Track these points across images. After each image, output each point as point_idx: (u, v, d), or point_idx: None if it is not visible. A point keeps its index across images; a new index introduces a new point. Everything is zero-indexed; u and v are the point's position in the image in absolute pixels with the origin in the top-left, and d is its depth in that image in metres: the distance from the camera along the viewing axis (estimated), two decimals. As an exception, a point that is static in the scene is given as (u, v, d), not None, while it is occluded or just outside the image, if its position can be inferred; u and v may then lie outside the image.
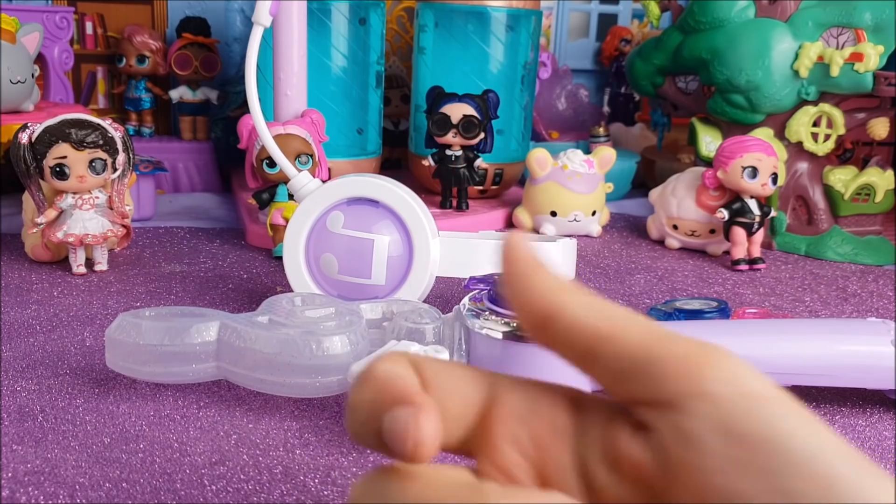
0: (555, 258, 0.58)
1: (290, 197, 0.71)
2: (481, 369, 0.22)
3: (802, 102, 0.87)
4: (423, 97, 0.89)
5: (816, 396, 0.51)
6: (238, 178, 0.94)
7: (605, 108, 1.32)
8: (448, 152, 0.87)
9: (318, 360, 0.42)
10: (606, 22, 1.34)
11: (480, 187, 0.93)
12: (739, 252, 0.78)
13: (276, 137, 0.69)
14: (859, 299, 0.71)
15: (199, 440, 0.41)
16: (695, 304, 0.62)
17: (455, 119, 0.84)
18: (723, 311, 0.60)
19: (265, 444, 0.41)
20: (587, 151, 0.92)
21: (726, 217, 0.79)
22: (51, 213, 0.65)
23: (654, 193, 0.87)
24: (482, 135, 0.85)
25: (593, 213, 0.87)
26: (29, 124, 0.64)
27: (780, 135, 0.88)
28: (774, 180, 0.78)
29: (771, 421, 0.18)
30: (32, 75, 0.81)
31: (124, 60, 1.00)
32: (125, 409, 0.44)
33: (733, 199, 0.79)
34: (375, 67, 0.94)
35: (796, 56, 0.85)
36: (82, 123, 0.64)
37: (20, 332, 0.54)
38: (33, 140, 0.63)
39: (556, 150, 0.90)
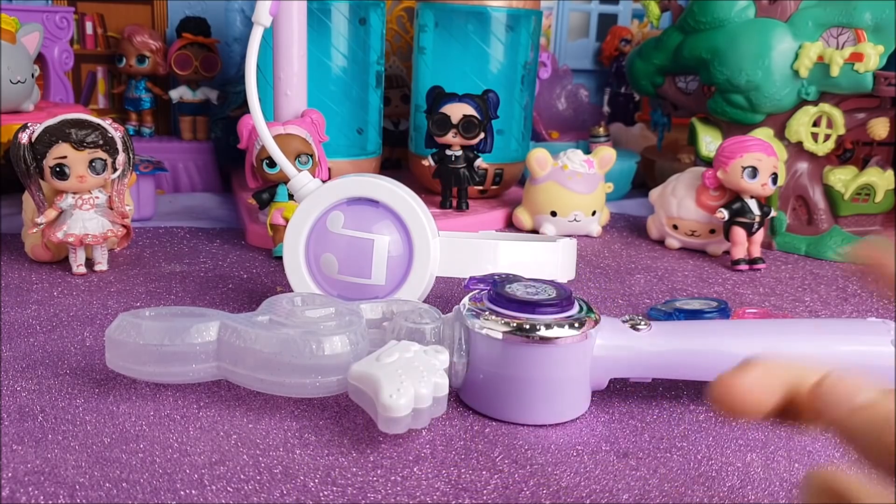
0: (555, 258, 0.58)
1: (290, 197, 0.71)
2: None
3: (802, 102, 0.87)
4: (423, 97, 0.89)
5: (816, 396, 0.51)
6: (238, 178, 0.94)
7: (605, 108, 1.32)
8: (448, 152, 0.87)
9: (318, 360, 0.42)
10: (606, 22, 1.34)
11: (480, 187, 0.93)
12: (739, 252, 0.78)
13: (276, 137, 0.69)
14: (859, 299, 0.71)
15: (199, 440, 0.41)
16: (695, 304, 0.62)
17: (455, 119, 0.84)
18: (723, 311, 0.60)
19: (265, 444, 0.41)
20: (587, 151, 0.92)
21: (726, 217, 0.79)
22: (51, 213, 0.65)
23: (654, 193, 0.87)
24: (482, 135, 0.85)
25: (593, 213, 0.87)
26: (29, 124, 0.64)
27: (780, 135, 0.88)
28: (774, 180, 0.78)
29: None
30: (32, 75, 0.81)
31: (124, 60, 1.00)
32: (125, 409, 0.44)
33: (733, 199, 0.79)
34: (375, 67, 0.94)
35: (796, 56, 0.85)
36: (82, 123, 0.64)
37: (20, 332, 0.54)
38: (33, 140, 0.63)
39: (556, 150, 0.90)
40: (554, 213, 0.86)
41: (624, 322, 0.47)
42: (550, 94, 1.21)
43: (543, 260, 0.57)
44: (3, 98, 0.77)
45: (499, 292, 0.45)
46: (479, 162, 0.88)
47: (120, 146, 0.66)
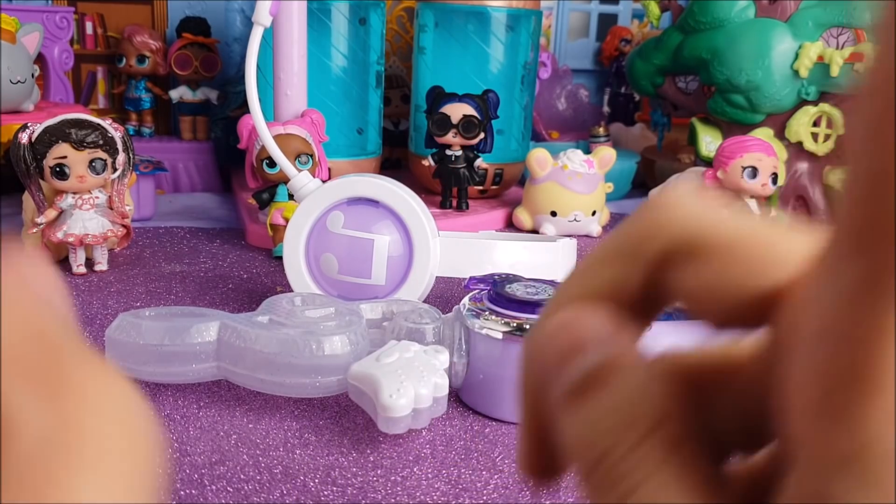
0: (555, 258, 0.58)
1: (290, 197, 0.71)
2: None
3: (802, 102, 0.87)
4: (423, 97, 0.89)
5: (816, 396, 0.51)
6: (238, 178, 0.94)
7: (605, 108, 1.32)
8: (448, 152, 0.87)
9: (318, 360, 0.42)
10: (606, 22, 1.34)
11: (480, 187, 0.93)
12: (739, 252, 0.78)
13: (276, 137, 0.69)
14: (859, 299, 0.71)
15: (199, 440, 0.41)
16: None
17: (455, 119, 0.84)
18: (723, 311, 0.60)
19: (265, 444, 0.41)
20: (587, 151, 0.92)
21: (726, 217, 0.79)
22: (51, 213, 0.65)
23: (654, 193, 0.87)
24: (482, 135, 0.85)
25: (593, 213, 0.87)
26: (29, 124, 0.64)
27: (780, 135, 0.88)
28: (774, 180, 0.78)
29: None
30: (32, 75, 0.81)
31: (124, 60, 1.00)
32: (125, 409, 0.44)
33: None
34: (375, 67, 0.94)
35: (796, 56, 0.85)
36: (82, 123, 0.64)
37: (20, 332, 0.54)
38: (33, 140, 0.63)
39: (556, 150, 0.90)
40: (554, 213, 0.86)
41: (624, 322, 0.47)
42: (550, 94, 1.21)
43: (543, 260, 0.57)
44: (3, 98, 0.77)
45: (499, 292, 0.45)
46: (479, 162, 0.88)
47: (120, 146, 0.66)
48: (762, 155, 0.78)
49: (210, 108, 1.04)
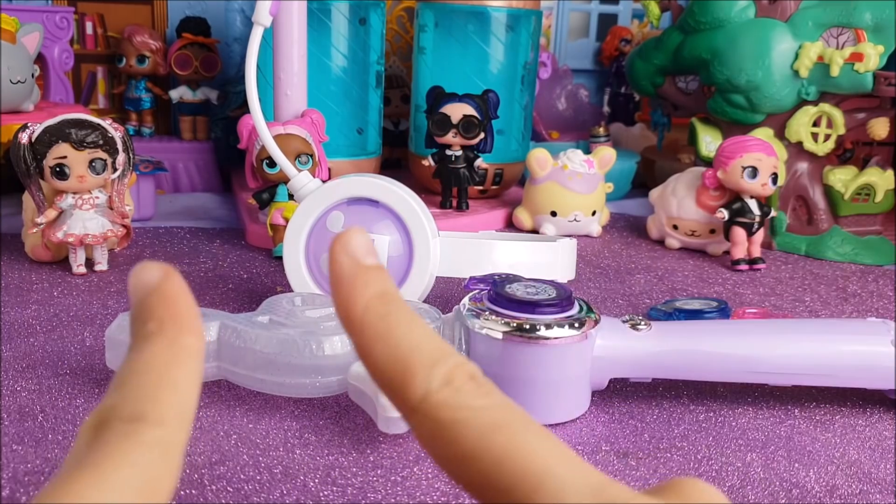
0: (555, 258, 0.58)
1: (290, 197, 0.71)
2: None
3: (802, 102, 0.87)
4: (423, 97, 0.89)
5: (816, 396, 0.51)
6: (238, 178, 0.94)
7: (605, 108, 1.32)
8: (448, 152, 0.87)
9: (318, 360, 0.42)
10: (606, 22, 1.34)
11: (480, 187, 0.93)
12: (739, 252, 0.78)
13: (276, 137, 0.69)
14: (859, 299, 0.71)
15: (199, 440, 0.41)
16: (695, 304, 0.62)
17: (455, 119, 0.84)
18: (723, 311, 0.60)
19: (265, 444, 0.41)
20: (587, 151, 0.92)
21: (726, 217, 0.79)
22: (51, 213, 0.65)
23: (654, 193, 0.87)
24: (482, 135, 0.85)
25: (593, 213, 0.87)
26: (29, 124, 0.64)
27: (780, 135, 0.88)
28: (774, 180, 0.78)
29: None
30: (32, 75, 0.81)
31: (124, 60, 1.00)
32: (125, 409, 0.44)
33: (733, 199, 0.79)
34: (375, 67, 0.94)
35: (796, 56, 0.85)
36: (82, 123, 0.64)
37: (20, 332, 0.54)
38: (33, 140, 0.63)
39: (556, 150, 0.90)
40: (554, 213, 0.86)
41: (624, 322, 0.47)
42: (550, 94, 1.21)
43: (543, 260, 0.57)
44: (3, 98, 0.77)
45: (499, 292, 0.45)
46: (479, 162, 0.88)
47: (120, 146, 0.66)
48: (762, 155, 0.78)
49: (210, 108, 1.04)
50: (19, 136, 0.63)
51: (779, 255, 0.85)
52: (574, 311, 0.45)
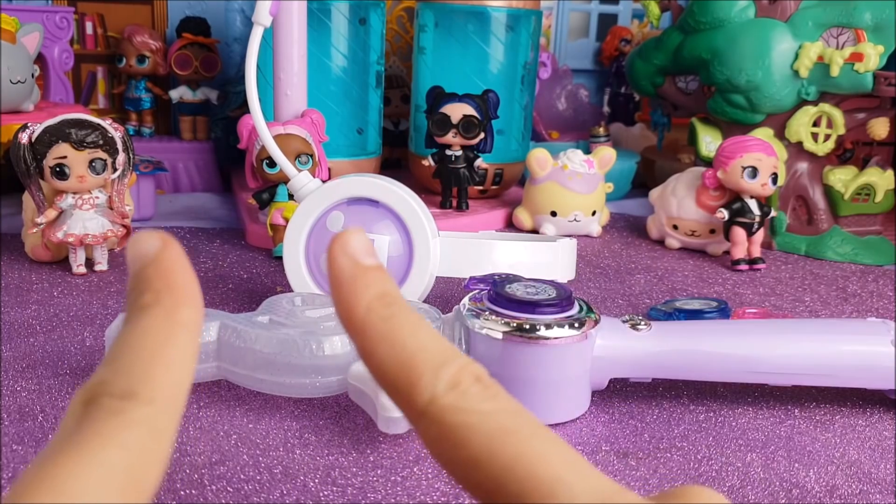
0: (555, 258, 0.58)
1: (290, 197, 0.71)
2: None
3: (802, 102, 0.87)
4: (423, 97, 0.89)
5: (816, 396, 0.51)
6: (238, 178, 0.94)
7: (605, 108, 1.32)
8: (448, 152, 0.87)
9: (318, 360, 0.42)
10: (606, 22, 1.34)
11: (480, 187, 0.93)
12: (739, 252, 0.78)
13: (276, 137, 0.69)
14: (859, 299, 0.71)
15: (199, 440, 0.41)
16: (695, 304, 0.62)
17: (455, 119, 0.84)
18: (723, 311, 0.60)
19: (265, 444, 0.41)
20: (587, 151, 0.92)
21: (726, 217, 0.79)
22: (51, 213, 0.65)
23: (654, 193, 0.87)
24: (482, 135, 0.85)
25: (593, 213, 0.87)
26: (29, 124, 0.64)
27: (780, 135, 0.88)
28: (774, 180, 0.78)
29: None
30: (32, 75, 0.81)
31: (124, 60, 1.00)
32: (125, 409, 0.44)
33: (733, 199, 0.79)
34: (375, 67, 0.94)
35: (796, 56, 0.85)
36: (82, 123, 0.64)
37: (20, 332, 0.54)
38: (33, 140, 0.63)
39: (556, 150, 0.90)
40: (554, 213, 0.86)
41: (624, 322, 0.47)
42: (550, 94, 1.21)
43: (543, 260, 0.57)
44: (3, 98, 0.77)
45: (499, 292, 0.45)
46: (479, 162, 0.88)
47: (120, 146, 0.66)
48: (762, 155, 0.78)
49: (210, 108, 1.04)
50: (19, 136, 0.63)
51: (779, 255, 0.85)
52: (574, 311, 0.45)
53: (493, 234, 0.72)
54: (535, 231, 0.88)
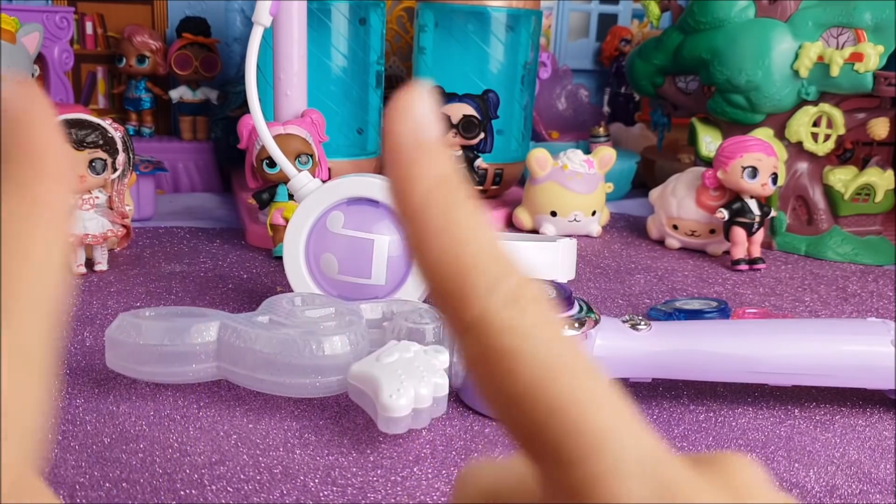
0: (555, 258, 0.58)
1: (290, 197, 0.71)
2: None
3: (802, 102, 0.87)
4: (423, 97, 0.88)
5: (816, 396, 0.51)
6: (238, 178, 0.94)
7: (605, 108, 1.32)
8: (448, 152, 0.87)
9: (318, 360, 0.42)
10: (606, 22, 1.34)
11: (480, 187, 0.93)
12: (739, 252, 0.78)
13: (276, 137, 0.69)
14: (859, 299, 0.71)
15: (199, 440, 0.41)
16: (695, 304, 0.62)
17: (455, 119, 0.84)
18: (723, 311, 0.60)
19: (265, 444, 0.41)
20: (587, 151, 0.92)
21: (726, 217, 0.79)
22: (51, 213, 0.65)
23: (654, 193, 0.87)
24: (482, 135, 0.85)
25: (593, 213, 0.87)
26: (29, 124, 0.64)
27: (780, 135, 0.88)
28: (774, 180, 0.78)
29: None
30: (32, 75, 0.81)
31: (124, 60, 1.00)
32: (125, 409, 0.44)
33: (733, 199, 0.79)
34: (375, 67, 0.94)
35: (796, 56, 0.85)
36: (82, 123, 0.64)
37: (20, 332, 0.54)
38: (33, 140, 0.63)
39: (556, 150, 0.90)
40: (554, 213, 0.86)
41: (624, 322, 0.47)
42: (550, 94, 1.21)
43: (543, 260, 0.57)
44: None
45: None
46: (479, 162, 0.88)
47: (120, 146, 0.66)
48: (762, 155, 0.78)
49: (210, 108, 1.04)
50: (19, 136, 0.63)
51: (779, 255, 0.85)
52: (574, 311, 0.45)
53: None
54: (535, 231, 0.88)
